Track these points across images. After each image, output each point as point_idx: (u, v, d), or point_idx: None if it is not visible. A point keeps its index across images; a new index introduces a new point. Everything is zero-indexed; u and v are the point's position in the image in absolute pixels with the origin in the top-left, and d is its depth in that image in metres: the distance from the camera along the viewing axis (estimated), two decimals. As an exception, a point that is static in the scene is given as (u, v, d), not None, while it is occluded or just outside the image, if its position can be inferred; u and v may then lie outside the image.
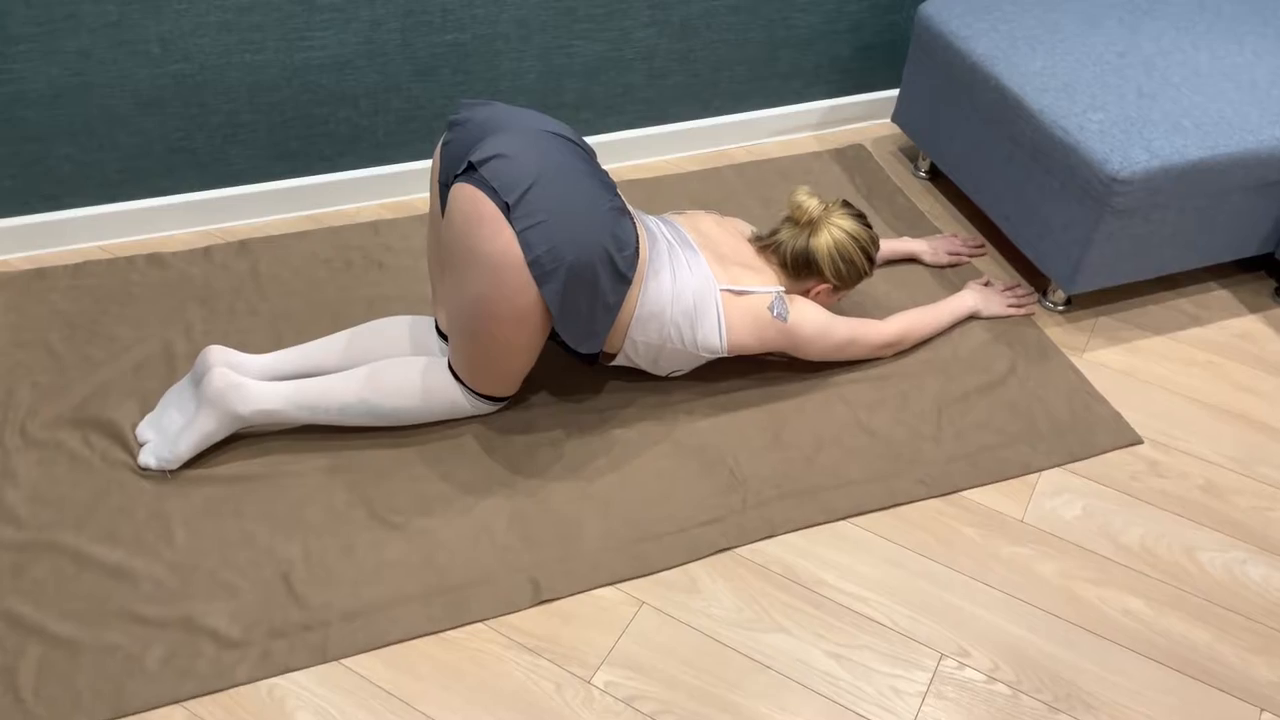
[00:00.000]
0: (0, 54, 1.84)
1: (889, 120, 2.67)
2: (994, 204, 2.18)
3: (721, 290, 1.74)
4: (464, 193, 1.52)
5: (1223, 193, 1.96)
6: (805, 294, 1.88)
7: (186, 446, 1.65)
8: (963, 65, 2.16)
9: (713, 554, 1.63)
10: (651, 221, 1.77)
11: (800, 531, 1.68)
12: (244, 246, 2.13)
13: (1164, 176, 1.86)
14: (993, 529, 1.71)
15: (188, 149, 2.08)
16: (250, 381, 1.66)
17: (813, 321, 1.83)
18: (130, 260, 2.07)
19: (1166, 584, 1.64)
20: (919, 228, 2.32)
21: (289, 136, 2.13)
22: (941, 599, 1.60)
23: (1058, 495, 1.76)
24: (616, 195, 1.62)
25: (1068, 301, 2.13)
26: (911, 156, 2.56)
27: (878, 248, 1.90)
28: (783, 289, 1.81)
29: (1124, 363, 2.03)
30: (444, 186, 1.63)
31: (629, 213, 1.63)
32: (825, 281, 1.86)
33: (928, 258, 2.21)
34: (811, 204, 1.82)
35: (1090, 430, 1.87)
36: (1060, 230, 2.00)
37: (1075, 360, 2.02)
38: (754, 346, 1.80)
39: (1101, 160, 1.86)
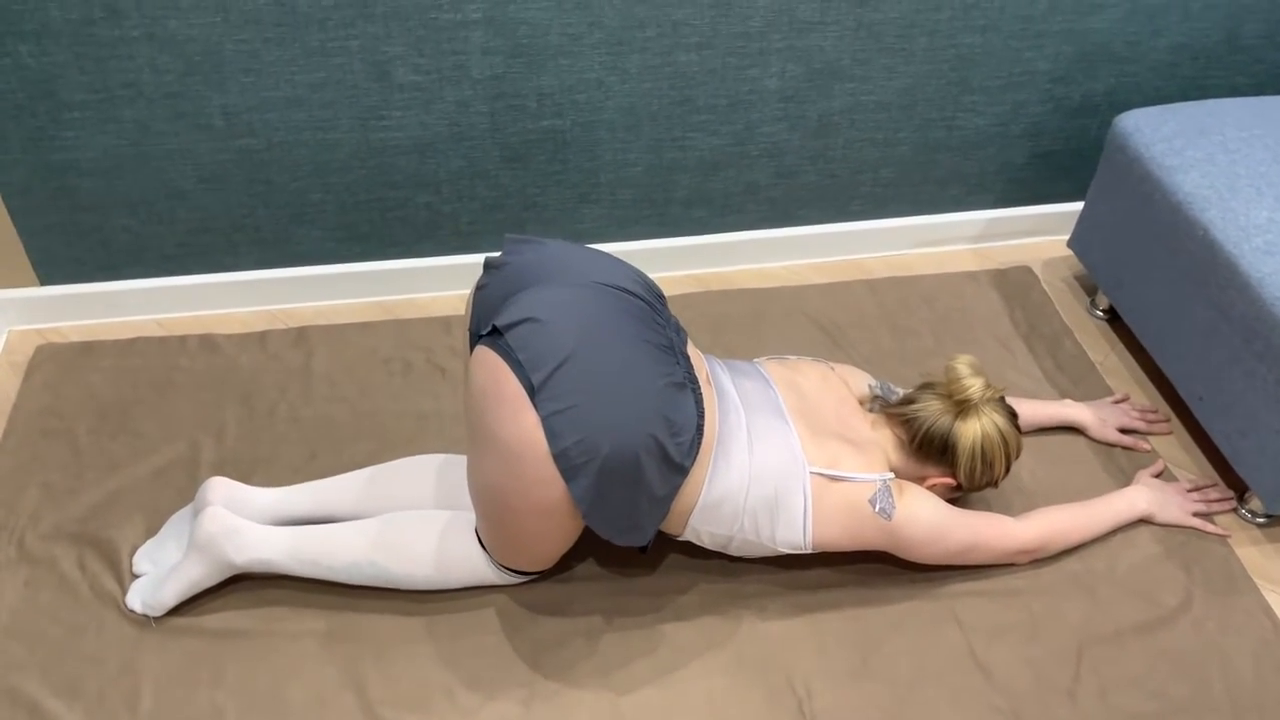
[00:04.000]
0: (54, 119, 1.70)
1: (1065, 240, 2.24)
2: (1185, 378, 1.74)
3: (812, 474, 1.41)
4: (485, 360, 1.25)
5: None
6: (920, 481, 1.53)
7: (171, 594, 1.45)
8: (1164, 202, 1.73)
9: (755, 824, 1.31)
10: (729, 378, 1.46)
11: (872, 807, 1.33)
12: (302, 335, 1.93)
13: None
14: (1131, 842, 1.30)
15: (251, 226, 1.90)
16: (248, 526, 1.45)
17: (925, 522, 1.46)
18: (182, 340, 1.91)
19: None
20: (1086, 385, 1.90)
21: (361, 219, 1.92)
22: None
23: (1228, 804, 1.34)
24: (677, 364, 1.31)
25: (1270, 515, 1.68)
26: (1089, 289, 2.12)
27: (1019, 456, 1.53)
28: (891, 475, 1.46)
29: (1341, 612, 1.56)
30: (475, 337, 1.36)
31: (690, 384, 1.32)
32: (950, 477, 1.50)
33: (1093, 431, 1.79)
34: (975, 384, 1.46)
35: (1283, 709, 1.43)
36: (1270, 434, 1.55)
37: (1273, 599, 1.57)
38: (846, 545, 1.46)
39: (1338, 362, 1.42)
